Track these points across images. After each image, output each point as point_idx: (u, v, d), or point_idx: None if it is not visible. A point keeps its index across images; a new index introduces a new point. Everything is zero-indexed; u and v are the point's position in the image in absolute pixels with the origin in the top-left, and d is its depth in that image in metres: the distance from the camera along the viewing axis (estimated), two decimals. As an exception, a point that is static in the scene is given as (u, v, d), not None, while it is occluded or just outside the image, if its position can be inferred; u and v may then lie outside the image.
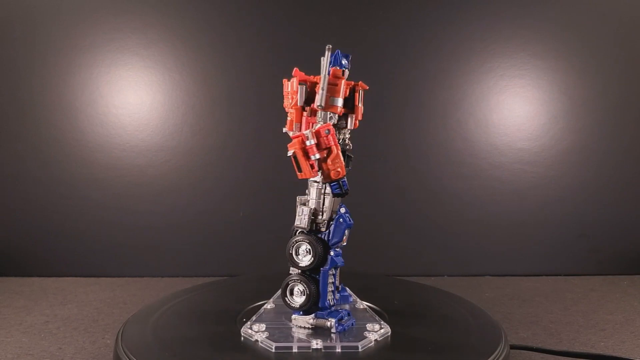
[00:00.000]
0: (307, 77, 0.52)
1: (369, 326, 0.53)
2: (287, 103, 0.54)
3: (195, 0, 0.98)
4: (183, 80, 0.98)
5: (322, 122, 0.51)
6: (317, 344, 0.49)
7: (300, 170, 0.49)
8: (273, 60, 0.97)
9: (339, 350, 0.49)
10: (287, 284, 0.53)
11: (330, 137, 0.49)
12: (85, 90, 0.97)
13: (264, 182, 0.98)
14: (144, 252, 0.98)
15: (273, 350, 0.48)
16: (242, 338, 0.51)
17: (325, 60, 0.50)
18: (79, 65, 0.97)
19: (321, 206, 0.52)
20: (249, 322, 0.54)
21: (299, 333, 0.52)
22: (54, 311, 0.78)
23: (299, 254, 0.52)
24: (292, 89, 0.53)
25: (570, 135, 0.98)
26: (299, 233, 0.52)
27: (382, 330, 0.52)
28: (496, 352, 0.48)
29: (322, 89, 0.50)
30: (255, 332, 0.51)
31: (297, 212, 0.52)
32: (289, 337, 0.51)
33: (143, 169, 0.98)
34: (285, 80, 0.55)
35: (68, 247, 0.98)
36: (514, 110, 0.98)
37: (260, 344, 0.50)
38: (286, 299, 0.53)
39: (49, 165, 0.98)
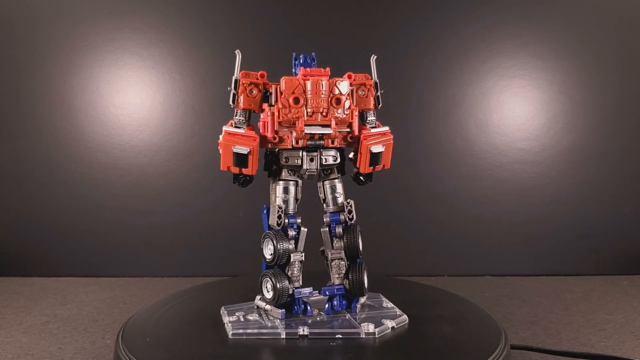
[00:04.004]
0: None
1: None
2: (314, 102, 0.52)
3: (195, 0, 0.98)
4: (183, 80, 0.98)
5: (374, 121, 0.56)
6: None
7: (379, 163, 0.56)
8: (273, 60, 0.97)
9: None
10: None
11: None
12: (85, 90, 0.97)
13: (263, 182, 0.98)
14: (144, 252, 0.98)
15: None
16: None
17: (373, 68, 0.56)
18: (79, 65, 0.97)
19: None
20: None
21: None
22: (54, 311, 0.78)
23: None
24: (326, 89, 0.52)
25: (570, 135, 0.98)
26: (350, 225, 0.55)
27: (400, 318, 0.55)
28: (496, 352, 0.48)
29: (382, 92, 0.56)
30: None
31: (353, 207, 0.55)
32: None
33: (143, 169, 0.98)
34: (300, 80, 0.52)
35: (68, 247, 0.98)
36: (514, 110, 0.98)
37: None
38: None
39: (49, 165, 0.98)
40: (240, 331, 0.51)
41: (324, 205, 0.56)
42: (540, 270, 0.97)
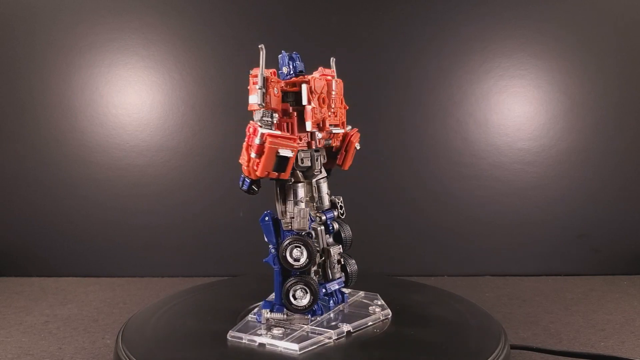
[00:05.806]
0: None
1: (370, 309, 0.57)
2: (332, 102, 0.53)
3: (195, 0, 0.98)
4: (183, 80, 0.98)
5: None
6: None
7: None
8: (273, 60, 0.97)
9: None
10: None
11: None
12: (85, 90, 0.97)
13: (263, 182, 0.98)
14: (144, 252, 0.98)
15: None
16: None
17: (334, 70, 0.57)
18: (79, 65, 0.97)
19: None
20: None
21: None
22: (54, 311, 0.78)
23: None
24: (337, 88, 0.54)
25: (570, 136, 0.98)
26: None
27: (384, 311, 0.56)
28: (496, 352, 0.48)
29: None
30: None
31: (343, 203, 0.57)
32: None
33: (143, 169, 0.98)
34: (328, 78, 0.53)
35: (68, 247, 0.98)
36: (514, 110, 0.98)
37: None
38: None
39: (49, 165, 0.98)
40: (306, 343, 0.48)
41: (314, 203, 0.56)
42: (540, 270, 0.97)
